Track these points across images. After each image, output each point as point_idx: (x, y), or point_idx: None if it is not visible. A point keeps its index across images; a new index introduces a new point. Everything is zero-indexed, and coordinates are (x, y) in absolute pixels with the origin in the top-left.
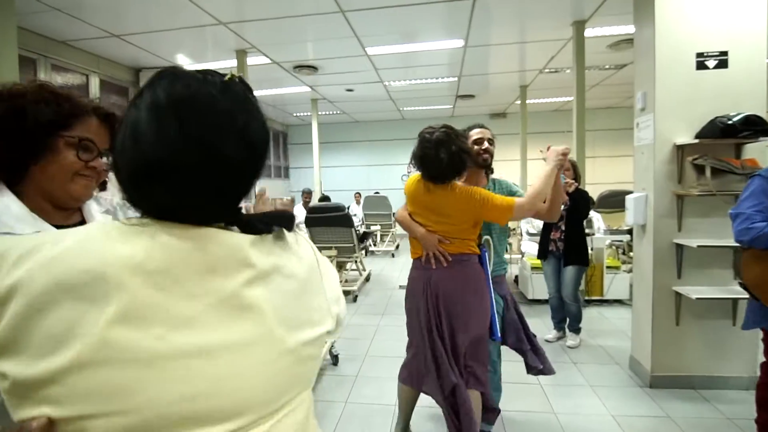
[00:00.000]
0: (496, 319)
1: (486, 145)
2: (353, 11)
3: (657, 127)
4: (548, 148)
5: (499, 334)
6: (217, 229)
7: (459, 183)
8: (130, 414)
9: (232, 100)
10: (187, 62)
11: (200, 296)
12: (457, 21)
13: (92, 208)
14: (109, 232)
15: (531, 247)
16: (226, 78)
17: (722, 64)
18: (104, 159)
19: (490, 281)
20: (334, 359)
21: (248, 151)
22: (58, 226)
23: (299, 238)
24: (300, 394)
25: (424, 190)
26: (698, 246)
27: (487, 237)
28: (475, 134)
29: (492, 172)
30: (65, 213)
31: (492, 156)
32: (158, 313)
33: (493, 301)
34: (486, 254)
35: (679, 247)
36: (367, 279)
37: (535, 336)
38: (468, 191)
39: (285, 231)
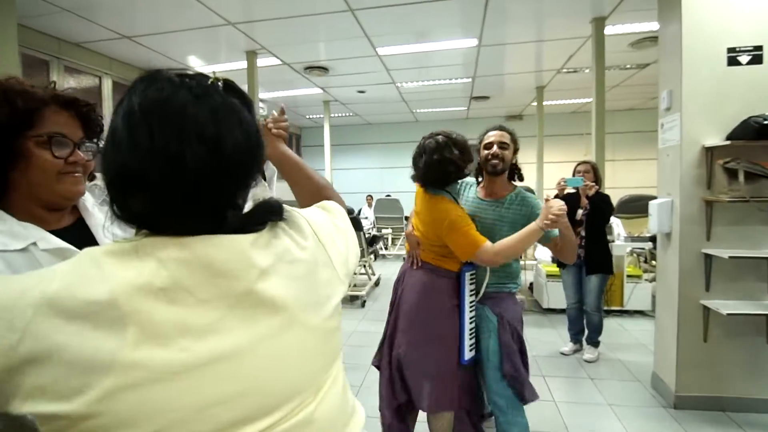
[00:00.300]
0: (465, 342)
1: (495, 149)
2: (362, 9)
3: (684, 127)
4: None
5: (466, 358)
6: (211, 236)
7: (449, 199)
8: (177, 427)
9: (206, 107)
10: (198, 64)
11: (215, 301)
12: (469, 19)
13: (87, 202)
14: (103, 258)
15: (545, 253)
16: (209, 82)
17: (756, 59)
18: (83, 149)
19: (465, 300)
20: None
21: (221, 161)
22: (54, 231)
23: (293, 219)
24: (334, 365)
25: (422, 193)
26: (730, 257)
27: None
28: (487, 138)
29: (520, 179)
30: (59, 214)
31: (503, 161)
32: (178, 327)
33: (465, 321)
34: (466, 273)
35: (708, 258)
36: (377, 284)
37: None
38: (444, 210)
39: (278, 221)
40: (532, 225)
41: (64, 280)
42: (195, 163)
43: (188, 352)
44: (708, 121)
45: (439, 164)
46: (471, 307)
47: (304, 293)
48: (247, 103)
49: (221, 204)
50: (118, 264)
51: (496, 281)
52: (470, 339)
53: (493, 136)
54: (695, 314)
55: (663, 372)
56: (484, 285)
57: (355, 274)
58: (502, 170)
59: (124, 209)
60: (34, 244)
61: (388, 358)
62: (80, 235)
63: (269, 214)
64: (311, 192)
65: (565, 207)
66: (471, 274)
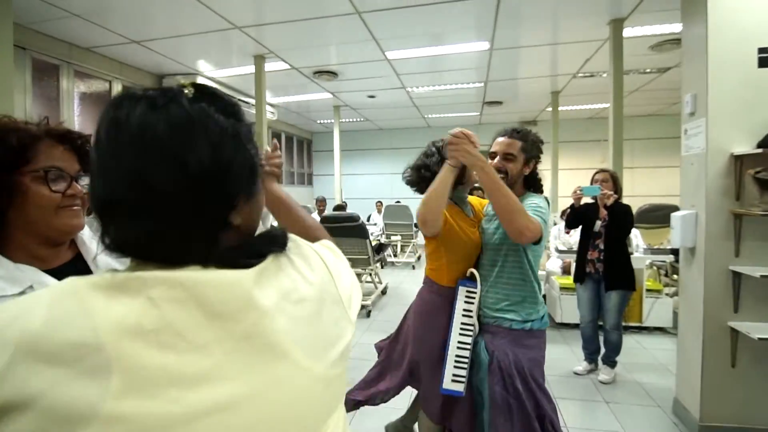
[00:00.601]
0: (447, 368)
1: (496, 162)
2: (369, 12)
3: (710, 134)
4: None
5: (444, 386)
6: (207, 270)
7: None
8: None
9: (164, 119)
10: (208, 68)
11: (211, 347)
12: (480, 21)
13: (85, 236)
14: (87, 293)
15: (555, 264)
16: (174, 91)
17: None
18: (81, 181)
19: (453, 319)
20: None
21: (186, 175)
22: (54, 269)
23: (301, 251)
24: (335, 413)
25: None
26: (761, 276)
27: (473, 270)
28: (493, 145)
29: (537, 190)
30: (58, 250)
31: (506, 176)
32: (169, 375)
33: (449, 343)
34: (460, 287)
35: (737, 276)
36: (384, 292)
37: None
38: None
39: (282, 252)
40: (445, 164)
41: (45, 317)
42: (159, 181)
43: (179, 404)
44: (737, 127)
45: (417, 169)
46: (464, 330)
47: (309, 336)
48: (227, 106)
49: (205, 223)
50: (104, 300)
51: (494, 305)
52: (457, 368)
53: (497, 144)
54: (722, 337)
55: (686, 399)
56: (475, 306)
57: (360, 282)
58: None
59: (108, 237)
60: (31, 287)
61: (387, 352)
62: (79, 270)
63: (270, 246)
64: (301, 234)
65: (462, 130)
66: (468, 291)
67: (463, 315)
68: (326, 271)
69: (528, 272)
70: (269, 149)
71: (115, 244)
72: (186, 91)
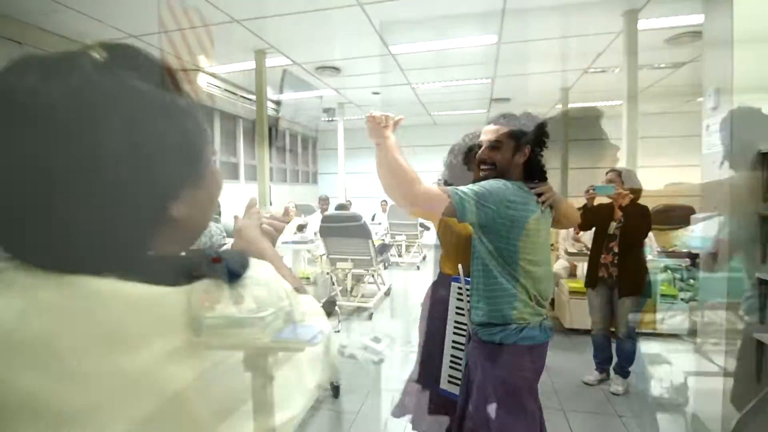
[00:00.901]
0: (443, 367)
1: (481, 152)
2: (371, 4)
3: (735, 130)
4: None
5: (440, 386)
6: (121, 281)
7: None
8: None
9: (66, 91)
10: (208, 64)
11: (97, 379)
12: (487, 12)
13: None
14: None
15: (561, 265)
16: (79, 55)
17: None
18: None
19: (448, 317)
20: (335, 391)
21: (101, 165)
22: None
23: (268, 287)
24: None
25: None
26: None
27: (460, 265)
28: (480, 136)
29: (540, 179)
30: None
31: (494, 166)
32: (36, 406)
33: (446, 341)
34: (452, 284)
35: (764, 284)
36: (387, 294)
37: None
38: None
39: (235, 281)
40: None
41: None
42: (60, 170)
43: None
44: (764, 123)
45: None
46: (457, 329)
47: (227, 395)
48: (152, 71)
49: (126, 220)
50: None
51: (475, 302)
52: (452, 368)
53: (483, 133)
54: (747, 349)
55: (705, 415)
56: (465, 304)
57: (362, 283)
58: (491, 176)
59: (4, 242)
60: None
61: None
62: None
63: (217, 266)
64: None
65: (370, 113)
66: (459, 287)
67: (456, 313)
68: (289, 313)
69: (487, 261)
70: (277, 210)
71: (14, 251)
72: (94, 54)
